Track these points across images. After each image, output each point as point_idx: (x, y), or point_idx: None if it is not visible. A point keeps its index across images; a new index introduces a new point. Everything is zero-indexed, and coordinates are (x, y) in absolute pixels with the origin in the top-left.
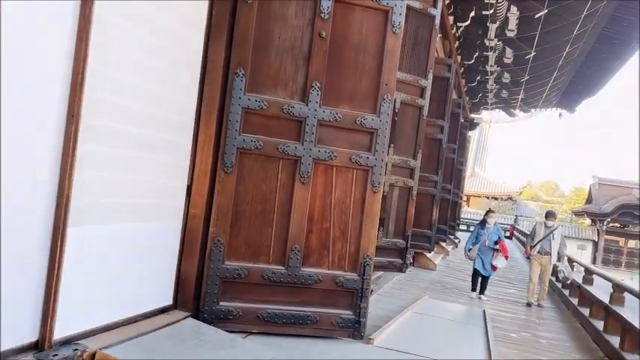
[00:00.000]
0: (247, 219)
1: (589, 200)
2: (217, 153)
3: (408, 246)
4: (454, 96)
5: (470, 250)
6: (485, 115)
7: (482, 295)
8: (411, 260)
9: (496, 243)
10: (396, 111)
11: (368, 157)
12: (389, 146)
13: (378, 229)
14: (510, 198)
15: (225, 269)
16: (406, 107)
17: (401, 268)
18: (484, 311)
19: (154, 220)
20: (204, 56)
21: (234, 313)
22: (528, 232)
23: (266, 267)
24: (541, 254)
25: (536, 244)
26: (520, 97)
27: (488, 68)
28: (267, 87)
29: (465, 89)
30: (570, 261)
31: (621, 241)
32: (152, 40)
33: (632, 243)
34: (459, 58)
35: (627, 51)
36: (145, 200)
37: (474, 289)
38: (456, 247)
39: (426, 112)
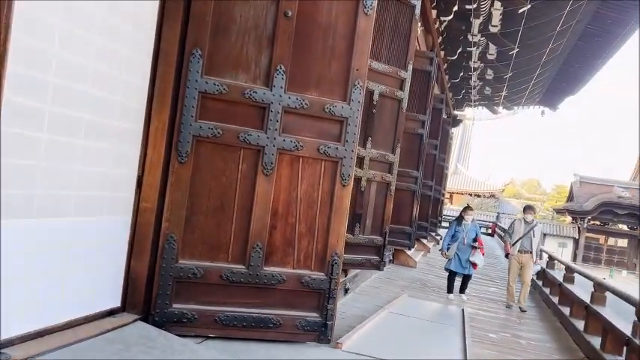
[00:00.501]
0: (204, 214)
1: (570, 198)
2: (171, 141)
3: (386, 243)
4: (436, 91)
5: (448, 248)
6: (468, 113)
7: (462, 295)
8: (391, 257)
9: (474, 240)
10: (374, 103)
11: (337, 148)
12: (366, 139)
13: (355, 225)
14: (493, 195)
15: (179, 268)
16: (385, 99)
17: (378, 266)
18: (463, 310)
19: (100, 214)
20: (157, 35)
21: (188, 316)
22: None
23: (225, 266)
24: (521, 252)
25: (515, 242)
26: (503, 94)
27: (471, 64)
28: (227, 70)
29: (449, 85)
30: (551, 259)
31: (601, 238)
32: (96, 13)
33: (612, 240)
34: (442, 53)
35: (610, 49)
36: (89, 192)
37: (450, 291)
38: (438, 244)
39: (405, 104)
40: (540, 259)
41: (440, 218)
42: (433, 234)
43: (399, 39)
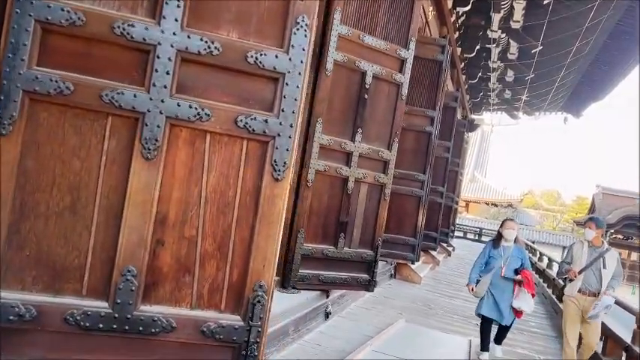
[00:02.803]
0: (43, 218)
1: (592, 210)
2: None
3: (378, 258)
4: (450, 88)
5: (477, 281)
6: (486, 117)
7: (497, 347)
8: (392, 272)
9: (517, 272)
10: (367, 87)
11: (267, 121)
12: (356, 131)
13: (338, 236)
14: (510, 205)
15: None
16: (380, 83)
17: (367, 286)
18: (470, 342)
19: None
20: None
21: None
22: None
23: (75, 302)
24: (583, 294)
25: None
26: (524, 97)
27: (490, 64)
28: None
29: (466, 87)
30: None
31: (624, 253)
32: None
33: (634, 256)
34: (459, 50)
35: None
36: None
37: (485, 348)
38: (449, 255)
39: (405, 91)
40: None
41: (452, 228)
42: (445, 245)
43: (399, 10)
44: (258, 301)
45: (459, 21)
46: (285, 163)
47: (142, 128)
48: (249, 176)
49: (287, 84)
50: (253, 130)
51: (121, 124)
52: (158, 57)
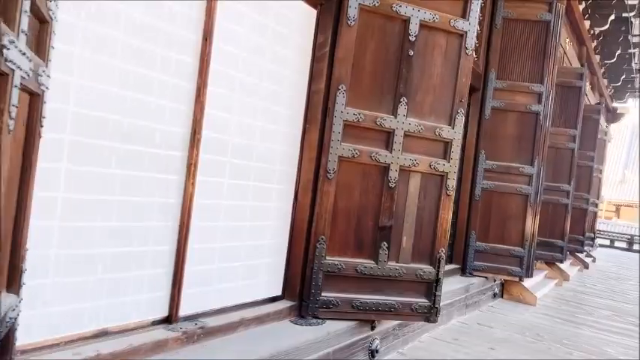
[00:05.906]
0: None
1: None
2: None
3: (441, 276)
4: (575, 63)
5: None
6: (633, 106)
7: None
8: (496, 290)
9: None
10: (412, 40)
11: None
12: (398, 102)
13: (379, 247)
14: None
15: None
16: (432, 34)
17: (427, 315)
18: None
19: None
20: None
21: None
22: None
23: None
24: None
25: None
26: None
27: (630, 38)
28: None
29: (603, 71)
30: None
31: None
32: None
33: None
34: (587, 23)
35: None
36: None
37: None
38: (586, 268)
39: (471, 42)
40: None
41: (592, 235)
42: (580, 255)
43: None
44: None
45: None
46: (14, 88)
47: None
48: None
49: None
50: None
51: None
52: None
